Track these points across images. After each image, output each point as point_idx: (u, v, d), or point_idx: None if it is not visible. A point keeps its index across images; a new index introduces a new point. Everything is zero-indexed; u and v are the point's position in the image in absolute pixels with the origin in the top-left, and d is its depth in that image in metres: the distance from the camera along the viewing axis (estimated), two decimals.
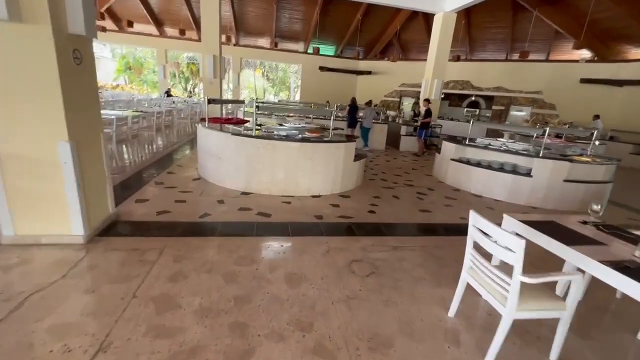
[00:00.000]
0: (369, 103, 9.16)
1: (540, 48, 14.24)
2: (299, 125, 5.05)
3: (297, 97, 21.40)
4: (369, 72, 18.61)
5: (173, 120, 9.47)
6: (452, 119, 17.01)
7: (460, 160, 5.96)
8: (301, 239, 3.27)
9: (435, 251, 3.22)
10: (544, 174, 5.03)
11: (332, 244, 3.19)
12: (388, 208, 4.46)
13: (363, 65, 18.85)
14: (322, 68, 18.21)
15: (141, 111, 7.73)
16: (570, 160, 4.93)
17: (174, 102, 13.18)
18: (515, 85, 15.10)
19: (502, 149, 5.51)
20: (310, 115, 7.80)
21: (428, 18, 15.44)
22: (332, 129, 5.14)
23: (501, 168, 5.46)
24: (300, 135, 4.61)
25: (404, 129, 10.03)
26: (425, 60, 17.66)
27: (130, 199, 3.90)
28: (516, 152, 5.32)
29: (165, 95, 16.72)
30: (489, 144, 5.80)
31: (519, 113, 15.26)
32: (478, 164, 5.73)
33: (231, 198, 4.27)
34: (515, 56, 15.15)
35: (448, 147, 6.25)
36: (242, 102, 7.02)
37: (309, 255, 2.93)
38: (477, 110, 17.75)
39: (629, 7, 10.41)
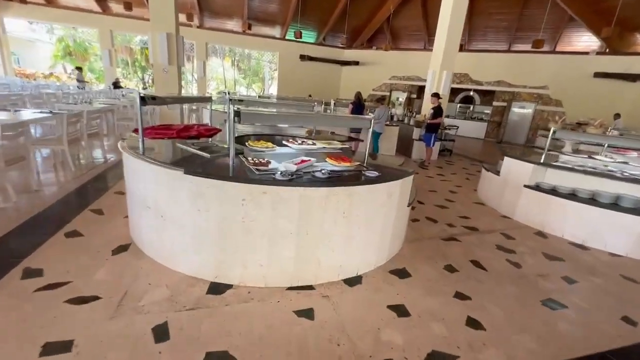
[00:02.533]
0: (381, 100, 7.06)
1: (547, 38, 12.85)
2: (314, 147, 2.79)
3: (273, 90, 18.92)
4: (356, 63, 16.53)
5: (112, 123, 6.82)
6: (447, 116, 15.44)
7: (540, 189, 4.04)
8: None
9: None
10: None
11: None
12: (490, 304, 2.39)
13: (349, 54, 16.73)
14: (303, 57, 15.85)
15: (51, 111, 5.09)
16: None
17: (123, 95, 10.34)
18: (519, 79, 13.70)
19: (617, 174, 3.63)
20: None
21: (426, 1, 13.59)
22: (368, 143, 2.98)
23: (614, 204, 3.61)
24: (322, 170, 2.39)
25: (416, 133, 8.07)
26: (420, 50, 15.96)
27: None
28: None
29: (113, 87, 13.60)
30: (586, 165, 3.92)
31: (521, 110, 13.93)
32: (572, 195, 3.84)
33: (186, 313, 1.98)
34: (519, 47, 13.73)
35: (518, 168, 4.31)
36: (209, 99, 4.60)
37: None
38: (471, 107, 16.37)
39: None
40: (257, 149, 2.56)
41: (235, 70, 22.75)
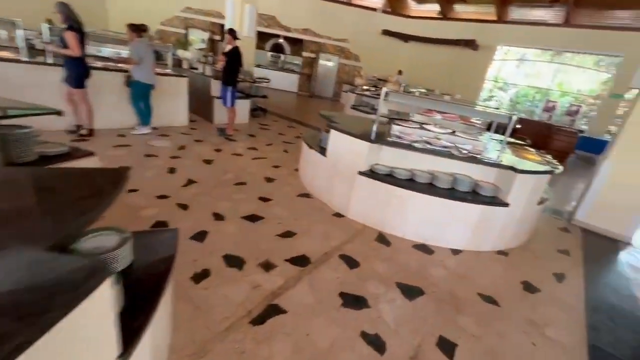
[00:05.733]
0: (136, 28, 4.16)
1: None
2: None
3: None
4: None
5: None
6: (257, 65, 13.77)
7: (377, 176, 2.95)
8: None
9: None
10: (521, 198, 2.88)
11: None
12: None
13: None
14: None
15: None
16: (551, 172, 2.98)
17: None
18: (324, 29, 13.37)
19: (454, 151, 2.87)
20: None
21: None
22: None
23: (452, 190, 2.92)
24: None
25: (215, 87, 5.81)
26: None
27: None
28: (479, 160, 2.84)
29: None
30: (421, 139, 3.04)
31: (327, 63, 13.96)
32: (411, 181, 2.95)
33: None
34: None
35: (349, 146, 3.04)
36: None
37: None
38: (282, 56, 15.33)
39: None
40: None
41: None
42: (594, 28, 9.60)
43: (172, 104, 5.04)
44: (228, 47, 4.88)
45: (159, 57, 6.15)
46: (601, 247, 3.59)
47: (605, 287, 2.77)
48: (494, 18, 11.26)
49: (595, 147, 8.93)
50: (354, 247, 2.64)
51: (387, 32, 12.97)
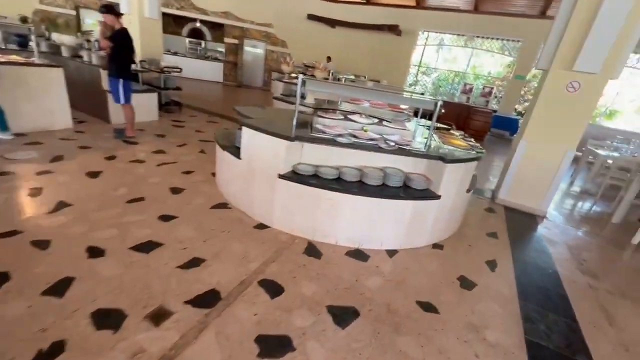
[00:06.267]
0: None
1: None
2: None
3: None
4: None
5: None
6: (174, 53, 12.40)
7: (301, 178, 2.54)
8: None
9: None
10: (452, 188, 2.74)
11: None
12: None
13: None
14: None
15: None
16: (478, 158, 2.88)
17: None
18: (246, 13, 12.39)
19: (382, 144, 2.57)
20: None
21: None
22: None
23: (384, 187, 2.65)
24: None
25: (106, 78, 4.77)
26: None
27: None
28: (408, 152, 2.59)
29: None
30: (350, 135, 2.69)
31: (254, 50, 13.06)
32: (339, 181, 2.60)
33: None
34: None
35: (265, 145, 2.56)
36: None
37: None
38: (203, 43, 14.05)
39: None
40: None
41: None
42: (497, 14, 10.41)
43: (43, 102, 3.94)
44: (117, 27, 3.94)
45: (23, 43, 4.88)
46: (523, 224, 3.74)
47: (531, 269, 2.81)
48: (414, 4, 11.55)
49: (506, 125, 9.83)
50: (279, 267, 2.23)
51: (312, 17, 12.52)
